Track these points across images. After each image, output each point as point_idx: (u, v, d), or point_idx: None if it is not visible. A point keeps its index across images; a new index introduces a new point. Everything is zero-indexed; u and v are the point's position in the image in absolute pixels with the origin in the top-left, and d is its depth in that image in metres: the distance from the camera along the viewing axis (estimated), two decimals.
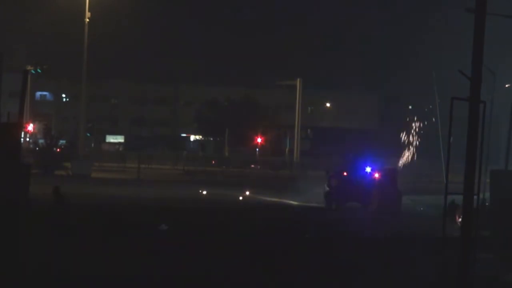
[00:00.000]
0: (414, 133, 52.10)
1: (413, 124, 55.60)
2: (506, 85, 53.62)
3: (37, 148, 67.62)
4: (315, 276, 20.51)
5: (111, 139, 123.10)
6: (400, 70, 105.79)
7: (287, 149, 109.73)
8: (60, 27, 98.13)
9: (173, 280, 19.04)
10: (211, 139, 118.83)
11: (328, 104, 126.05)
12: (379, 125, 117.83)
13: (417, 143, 50.32)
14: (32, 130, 79.22)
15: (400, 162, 44.15)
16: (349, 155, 46.65)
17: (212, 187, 54.16)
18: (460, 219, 32.72)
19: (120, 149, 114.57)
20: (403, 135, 50.56)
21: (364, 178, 42.45)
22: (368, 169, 42.78)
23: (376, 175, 42.28)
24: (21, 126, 26.43)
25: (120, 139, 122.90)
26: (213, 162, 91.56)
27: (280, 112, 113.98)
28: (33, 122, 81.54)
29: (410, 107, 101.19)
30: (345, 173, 43.38)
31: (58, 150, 67.52)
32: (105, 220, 29.48)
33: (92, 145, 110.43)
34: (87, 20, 72.77)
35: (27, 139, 74.03)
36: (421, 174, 64.68)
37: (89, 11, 72.93)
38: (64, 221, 26.07)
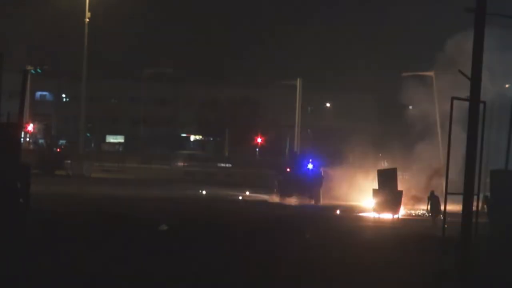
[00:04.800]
0: None
1: None
2: (506, 85, 53.53)
3: (37, 148, 67.57)
4: (315, 275, 20.52)
5: (111, 139, 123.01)
6: (400, 70, 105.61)
7: (287, 149, 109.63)
8: (60, 27, 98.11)
9: (173, 280, 19.04)
10: (211, 139, 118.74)
11: (328, 104, 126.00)
12: (379, 125, 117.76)
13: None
14: (32, 130, 79.13)
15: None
16: (294, 153, 53.59)
17: (211, 187, 54.21)
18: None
19: (120, 149, 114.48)
20: None
21: (306, 173, 48.27)
22: (310, 166, 48.67)
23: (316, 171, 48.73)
24: (21, 126, 26.40)
25: (120, 139, 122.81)
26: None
27: (280, 112, 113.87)
28: (33, 122, 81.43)
29: (410, 107, 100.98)
30: (288, 169, 49.29)
31: (58, 150, 67.46)
32: (105, 220, 29.48)
33: (92, 145, 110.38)
34: (87, 20, 72.74)
35: (27, 139, 73.97)
36: None
37: (89, 11, 72.91)
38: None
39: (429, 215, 39.18)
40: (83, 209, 34.33)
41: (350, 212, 42.52)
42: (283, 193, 48.25)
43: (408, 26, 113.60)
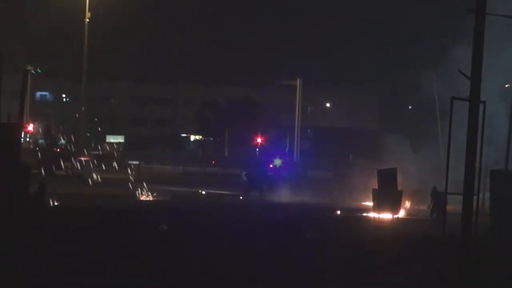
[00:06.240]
0: None
1: None
2: (506, 85, 53.49)
3: (37, 148, 67.49)
4: (317, 275, 20.52)
5: (111, 139, 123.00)
6: (401, 70, 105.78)
7: (286, 149, 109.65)
8: (60, 27, 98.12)
9: (173, 280, 19.05)
10: (211, 139, 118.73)
11: (328, 104, 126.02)
12: (379, 125, 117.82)
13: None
14: (32, 130, 79.14)
15: None
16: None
17: (211, 187, 54.22)
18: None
19: (120, 149, 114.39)
20: None
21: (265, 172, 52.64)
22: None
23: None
24: (21, 126, 26.43)
25: (120, 139, 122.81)
26: (213, 162, 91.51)
27: (280, 112, 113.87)
28: (33, 122, 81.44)
29: (410, 107, 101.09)
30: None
31: (58, 150, 67.39)
32: (105, 220, 29.49)
33: (92, 145, 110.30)
34: (87, 20, 72.71)
35: (27, 139, 73.97)
36: None
37: (89, 11, 72.88)
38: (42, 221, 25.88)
39: (432, 213, 39.10)
40: (83, 209, 34.33)
41: (350, 212, 42.45)
42: (246, 190, 50.47)
43: (409, 25, 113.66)
